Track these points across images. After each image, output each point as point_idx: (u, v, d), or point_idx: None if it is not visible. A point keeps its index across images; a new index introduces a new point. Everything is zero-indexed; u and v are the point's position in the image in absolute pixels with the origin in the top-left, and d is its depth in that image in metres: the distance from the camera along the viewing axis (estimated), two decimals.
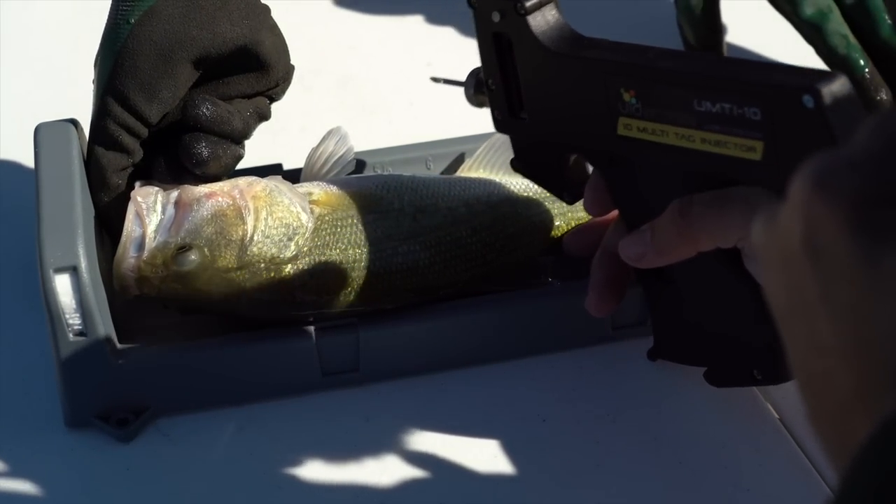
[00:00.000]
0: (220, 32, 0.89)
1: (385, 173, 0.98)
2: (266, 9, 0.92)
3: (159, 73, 0.88)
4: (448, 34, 1.06)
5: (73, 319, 0.86)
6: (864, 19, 1.02)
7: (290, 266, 0.89)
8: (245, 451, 0.88)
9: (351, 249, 0.90)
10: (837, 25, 1.02)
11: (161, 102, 0.89)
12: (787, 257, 0.56)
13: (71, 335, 0.86)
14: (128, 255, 0.87)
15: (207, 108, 0.90)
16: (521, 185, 0.95)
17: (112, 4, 0.90)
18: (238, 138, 0.92)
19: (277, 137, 1.11)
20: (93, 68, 0.92)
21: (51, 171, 0.90)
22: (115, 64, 0.89)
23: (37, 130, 0.92)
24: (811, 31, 1.03)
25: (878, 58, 1.02)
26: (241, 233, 0.88)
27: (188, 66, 0.89)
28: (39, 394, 0.91)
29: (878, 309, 0.51)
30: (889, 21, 1.00)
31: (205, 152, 0.90)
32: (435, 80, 0.93)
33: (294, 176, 0.96)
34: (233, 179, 0.91)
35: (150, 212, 0.88)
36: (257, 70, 0.92)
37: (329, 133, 0.97)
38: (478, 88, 0.87)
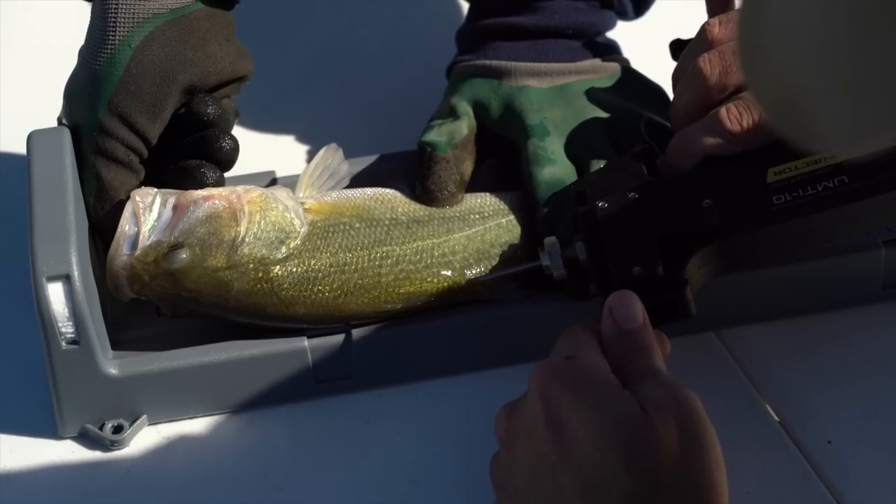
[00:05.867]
0: (212, 52, 0.92)
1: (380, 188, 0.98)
2: (233, 23, 0.95)
3: (163, 95, 0.91)
4: (448, 34, 1.05)
5: (66, 328, 0.86)
6: None
7: (279, 268, 0.89)
8: (245, 454, 0.89)
9: (342, 254, 0.91)
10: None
11: (162, 123, 0.92)
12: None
13: (64, 344, 0.86)
14: (121, 252, 0.88)
15: (213, 107, 0.92)
16: (514, 197, 0.95)
17: (97, 29, 0.91)
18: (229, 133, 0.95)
19: (277, 138, 1.11)
20: (64, 98, 0.93)
21: (44, 179, 0.90)
22: (119, 87, 0.91)
23: (29, 138, 0.92)
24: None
25: None
26: (233, 234, 0.89)
27: (186, 87, 0.92)
28: (36, 401, 0.91)
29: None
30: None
31: (230, 142, 0.93)
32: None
33: (291, 182, 0.97)
34: (231, 186, 0.93)
35: (146, 211, 0.89)
36: (233, 81, 0.95)
37: (324, 150, 0.97)
38: None
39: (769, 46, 0.55)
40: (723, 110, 0.86)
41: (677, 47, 0.96)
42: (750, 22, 0.55)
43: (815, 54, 0.53)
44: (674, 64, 0.97)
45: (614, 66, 1.00)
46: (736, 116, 0.86)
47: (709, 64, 0.88)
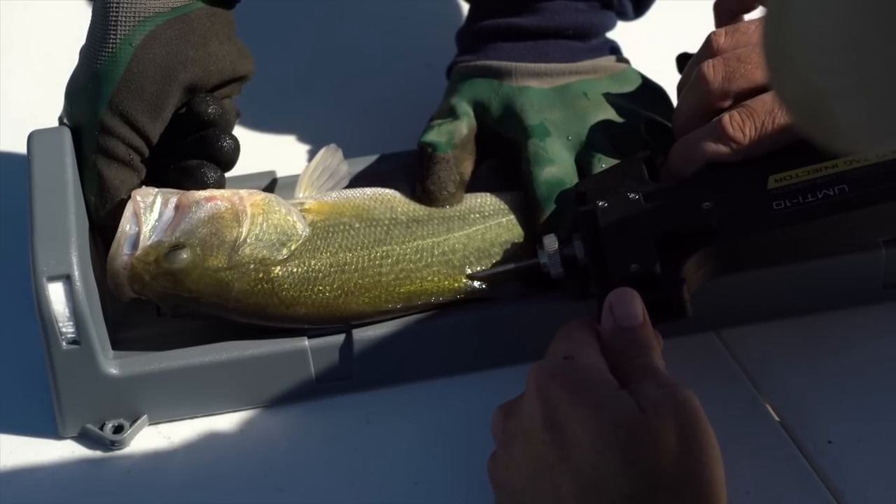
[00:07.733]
0: (213, 51, 0.92)
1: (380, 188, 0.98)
2: (234, 22, 0.95)
3: (165, 94, 0.91)
4: (448, 34, 1.05)
5: (67, 328, 0.86)
6: None
7: (279, 268, 0.89)
8: (245, 454, 0.89)
9: (342, 253, 0.91)
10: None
11: (163, 121, 0.92)
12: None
13: (64, 344, 0.86)
14: (122, 251, 0.88)
15: (214, 107, 0.93)
16: (514, 197, 0.95)
17: (98, 27, 0.91)
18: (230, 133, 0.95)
19: (277, 138, 1.11)
20: (65, 97, 0.93)
21: (44, 179, 0.90)
22: (120, 86, 0.91)
23: (30, 138, 0.92)
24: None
25: None
26: (234, 234, 0.89)
27: (187, 86, 0.92)
28: (36, 401, 0.91)
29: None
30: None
31: (230, 143, 0.93)
32: None
33: (291, 182, 0.97)
34: (233, 188, 0.93)
35: (147, 211, 0.89)
36: (234, 80, 0.95)
37: (324, 150, 0.98)
38: None
39: (793, 46, 0.55)
40: (726, 117, 0.87)
41: (684, 61, 0.96)
42: (774, 22, 0.56)
43: (838, 54, 0.54)
44: (674, 67, 0.98)
45: (615, 67, 1.00)
46: (739, 123, 0.87)
47: (712, 69, 0.89)
